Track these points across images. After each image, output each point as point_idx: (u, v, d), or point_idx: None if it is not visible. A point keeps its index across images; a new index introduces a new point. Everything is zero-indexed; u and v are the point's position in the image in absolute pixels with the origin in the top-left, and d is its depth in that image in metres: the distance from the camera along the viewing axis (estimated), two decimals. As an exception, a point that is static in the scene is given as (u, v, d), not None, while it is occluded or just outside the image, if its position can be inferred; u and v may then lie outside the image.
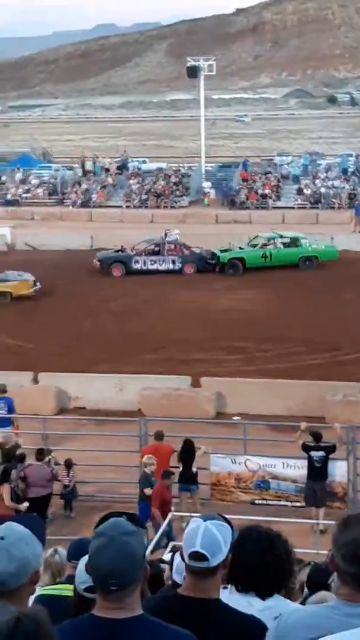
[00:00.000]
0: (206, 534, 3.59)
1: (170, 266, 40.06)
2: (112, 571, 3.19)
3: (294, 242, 40.72)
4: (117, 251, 40.82)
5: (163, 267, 39.99)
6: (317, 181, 59.29)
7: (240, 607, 3.73)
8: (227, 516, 3.79)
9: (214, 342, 28.33)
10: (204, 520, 3.64)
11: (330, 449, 16.39)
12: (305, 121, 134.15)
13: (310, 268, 39.77)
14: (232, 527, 3.71)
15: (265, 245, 40.54)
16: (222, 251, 40.16)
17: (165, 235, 41.60)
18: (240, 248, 40.52)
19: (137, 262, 39.98)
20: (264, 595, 3.99)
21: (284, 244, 40.61)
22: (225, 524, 3.67)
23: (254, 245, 40.68)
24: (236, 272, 39.23)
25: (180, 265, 40.00)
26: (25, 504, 15.36)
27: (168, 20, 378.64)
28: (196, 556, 3.58)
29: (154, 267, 39.95)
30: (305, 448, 16.43)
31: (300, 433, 16.75)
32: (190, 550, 3.59)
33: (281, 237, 41.12)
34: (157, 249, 40.45)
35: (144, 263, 40.00)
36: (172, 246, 40.57)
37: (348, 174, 60.45)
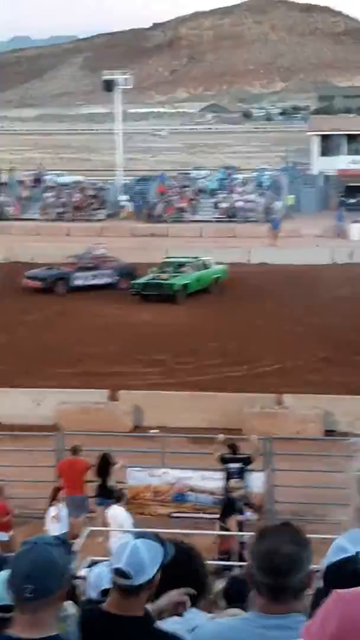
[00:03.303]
0: (133, 553, 3.57)
1: (108, 280, 39.05)
2: (29, 574, 3.13)
3: (205, 263, 39.35)
4: (48, 268, 39.81)
5: (102, 281, 39.01)
6: (233, 195, 59.79)
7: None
8: (147, 529, 3.76)
9: (132, 355, 28.26)
10: (135, 538, 3.62)
11: (247, 461, 16.48)
12: (221, 135, 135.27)
13: (216, 287, 38.52)
14: (166, 548, 3.68)
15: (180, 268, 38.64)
16: (158, 277, 37.56)
17: (92, 249, 40.94)
18: (163, 272, 38.12)
19: (78, 278, 38.95)
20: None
21: (202, 266, 39.11)
22: (157, 545, 3.64)
23: (176, 269, 38.43)
24: (185, 297, 36.96)
25: (117, 279, 38.99)
26: None
27: (85, 33, 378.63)
28: (120, 573, 3.57)
29: (94, 282, 38.88)
30: (222, 460, 16.48)
31: (217, 445, 16.81)
32: (115, 566, 3.59)
33: (195, 259, 39.44)
34: (92, 264, 39.55)
35: (85, 279, 38.95)
36: (104, 260, 39.88)
37: (263, 188, 61.11)
